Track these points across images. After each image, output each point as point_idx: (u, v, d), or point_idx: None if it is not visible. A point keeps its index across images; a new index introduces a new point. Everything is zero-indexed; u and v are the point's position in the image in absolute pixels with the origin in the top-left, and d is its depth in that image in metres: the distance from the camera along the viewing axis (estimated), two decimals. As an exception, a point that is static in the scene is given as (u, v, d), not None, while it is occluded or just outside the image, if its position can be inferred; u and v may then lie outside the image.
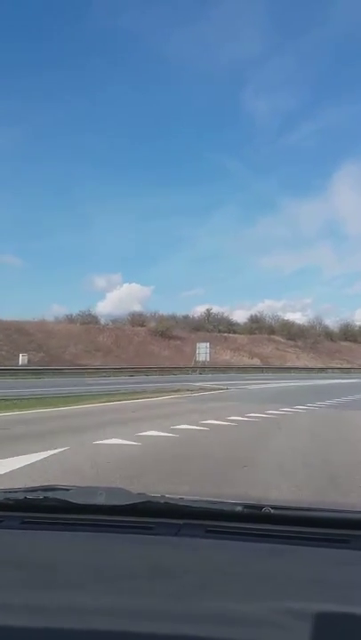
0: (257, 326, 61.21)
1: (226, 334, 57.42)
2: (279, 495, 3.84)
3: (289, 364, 51.87)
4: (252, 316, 63.91)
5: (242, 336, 58.38)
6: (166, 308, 59.16)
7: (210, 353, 43.36)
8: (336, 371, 50.22)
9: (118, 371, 34.41)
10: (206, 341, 44.90)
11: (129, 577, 0.90)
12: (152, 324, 53.02)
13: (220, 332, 57.55)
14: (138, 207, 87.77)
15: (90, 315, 52.97)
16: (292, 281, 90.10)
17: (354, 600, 0.79)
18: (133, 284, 77.34)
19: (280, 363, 52.41)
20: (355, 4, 68.05)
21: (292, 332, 61.04)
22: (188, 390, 16.99)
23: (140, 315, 56.98)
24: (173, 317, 57.64)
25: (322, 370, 50.23)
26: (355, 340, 66.21)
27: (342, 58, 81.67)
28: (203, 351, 43.48)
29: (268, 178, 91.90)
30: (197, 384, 21.53)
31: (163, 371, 37.30)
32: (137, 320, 55.70)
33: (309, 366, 52.29)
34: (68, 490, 1.30)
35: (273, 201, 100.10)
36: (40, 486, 1.38)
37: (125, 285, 73.35)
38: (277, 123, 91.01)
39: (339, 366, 54.59)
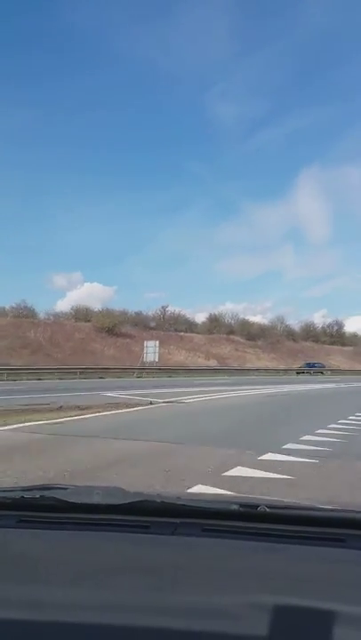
0: (216, 325, 56.51)
1: (182, 333, 52.27)
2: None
3: (249, 365, 47.41)
4: (210, 315, 59.47)
5: (199, 335, 53.62)
6: (129, 309, 53.19)
7: (158, 352, 38.06)
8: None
9: (23, 372, 28.24)
10: (156, 340, 39.59)
11: (125, 575, 0.91)
12: (97, 320, 47.00)
13: (176, 330, 52.34)
14: (101, 207, 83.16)
15: (26, 307, 46.42)
16: (254, 284, 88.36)
17: (350, 598, 0.80)
18: (95, 284, 71.56)
19: (239, 364, 48.01)
20: (320, 13, 64.78)
21: (252, 332, 56.89)
22: (75, 409, 10.65)
23: (86, 309, 50.83)
24: (125, 313, 51.79)
25: (285, 372, 45.82)
26: (317, 340, 63.03)
27: (307, 65, 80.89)
28: (151, 350, 38.36)
29: (232, 182, 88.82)
30: (113, 394, 15.96)
31: (87, 373, 31.23)
32: (81, 315, 49.52)
33: (270, 367, 47.81)
34: (64, 489, 1.30)
35: (236, 205, 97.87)
36: (36, 485, 1.34)
37: (87, 285, 69.09)
38: (241, 128, 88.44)
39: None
